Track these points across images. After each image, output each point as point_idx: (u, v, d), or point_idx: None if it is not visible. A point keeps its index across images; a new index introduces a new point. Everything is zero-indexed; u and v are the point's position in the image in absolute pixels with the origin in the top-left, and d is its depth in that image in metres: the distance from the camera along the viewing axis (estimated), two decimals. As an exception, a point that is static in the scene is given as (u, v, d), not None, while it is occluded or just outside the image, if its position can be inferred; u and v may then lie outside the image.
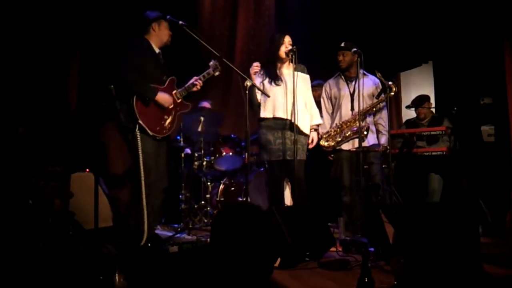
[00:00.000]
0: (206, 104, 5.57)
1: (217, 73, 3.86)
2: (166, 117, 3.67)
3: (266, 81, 3.91)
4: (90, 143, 4.74)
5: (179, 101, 3.76)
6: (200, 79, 3.79)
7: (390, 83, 4.01)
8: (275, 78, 3.90)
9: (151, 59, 3.70)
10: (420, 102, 5.11)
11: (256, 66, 3.93)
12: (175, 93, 3.73)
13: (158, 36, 3.74)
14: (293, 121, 3.77)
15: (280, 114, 3.86)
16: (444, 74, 5.75)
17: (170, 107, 3.68)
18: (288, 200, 4.25)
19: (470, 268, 1.61)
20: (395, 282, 2.14)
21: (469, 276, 1.59)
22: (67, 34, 4.97)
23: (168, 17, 3.70)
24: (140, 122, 3.49)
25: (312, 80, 4.17)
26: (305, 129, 3.96)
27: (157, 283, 2.64)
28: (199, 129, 5.05)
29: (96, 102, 3.53)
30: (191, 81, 3.79)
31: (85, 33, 5.09)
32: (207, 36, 5.07)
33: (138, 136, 3.50)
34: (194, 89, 3.80)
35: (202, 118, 5.07)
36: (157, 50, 3.78)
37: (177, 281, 2.67)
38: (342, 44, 4.18)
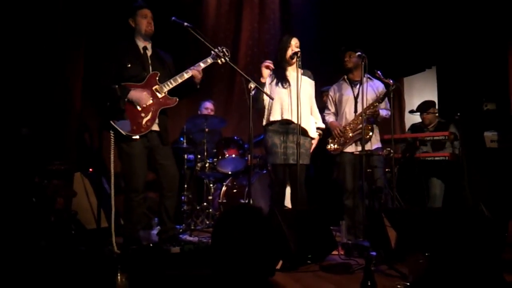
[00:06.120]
0: (208, 105, 5.57)
1: (222, 61, 3.67)
2: (143, 115, 3.54)
3: (274, 83, 3.91)
4: (93, 143, 4.75)
5: (161, 96, 3.62)
6: (190, 70, 3.65)
7: (391, 81, 3.93)
8: (282, 80, 3.90)
9: (131, 58, 3.61)
10: (425, 107, 5.08)
11: (269, 63, 3.89)
12: (155, 89, 3.60)
13: (137, 30, 3.70)
14: (298, 123, 3.74)
15: (288, 116, 3.84)
16: (448, 80, 5.75)
17: (148, 103, 3.56)
18: (287, 203, 4.24)
19: (490, 275, 1.61)
20: (408, 283, 2.13)
21: (489, 283, 1.60)
22: (72, 35, 5.00)
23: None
24: (112, 122, 3.46)
25: (322, 85, 4.13)
26: (311, 132, 3.97)
27: (158, 283, 2.64)
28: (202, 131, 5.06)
29: (100, 102, 3.51)
30: (180, 74, 3.64)
31: (90, 34, 5.11)
32: (212, 39, 5.06)
33: (112, 136, 3.49)
34: (184, 79, 3.62)
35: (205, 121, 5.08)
36: (141, 45, 3.70)
37: (178, 282, 2.67)
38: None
